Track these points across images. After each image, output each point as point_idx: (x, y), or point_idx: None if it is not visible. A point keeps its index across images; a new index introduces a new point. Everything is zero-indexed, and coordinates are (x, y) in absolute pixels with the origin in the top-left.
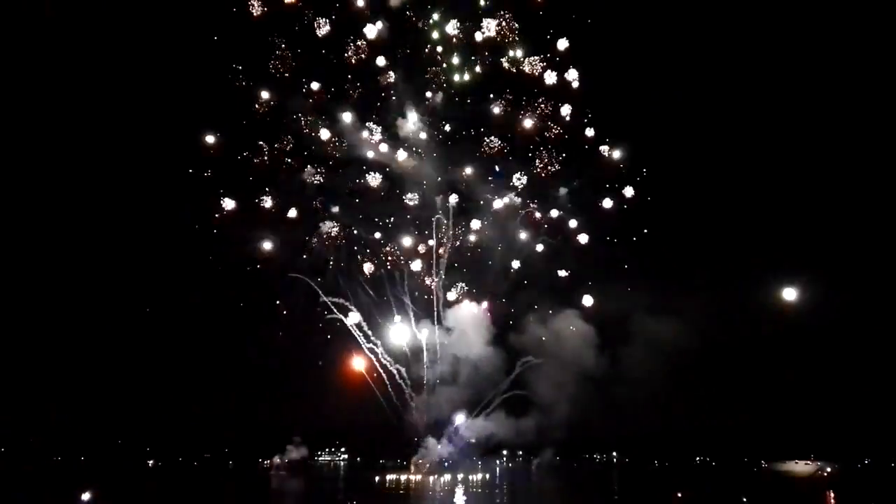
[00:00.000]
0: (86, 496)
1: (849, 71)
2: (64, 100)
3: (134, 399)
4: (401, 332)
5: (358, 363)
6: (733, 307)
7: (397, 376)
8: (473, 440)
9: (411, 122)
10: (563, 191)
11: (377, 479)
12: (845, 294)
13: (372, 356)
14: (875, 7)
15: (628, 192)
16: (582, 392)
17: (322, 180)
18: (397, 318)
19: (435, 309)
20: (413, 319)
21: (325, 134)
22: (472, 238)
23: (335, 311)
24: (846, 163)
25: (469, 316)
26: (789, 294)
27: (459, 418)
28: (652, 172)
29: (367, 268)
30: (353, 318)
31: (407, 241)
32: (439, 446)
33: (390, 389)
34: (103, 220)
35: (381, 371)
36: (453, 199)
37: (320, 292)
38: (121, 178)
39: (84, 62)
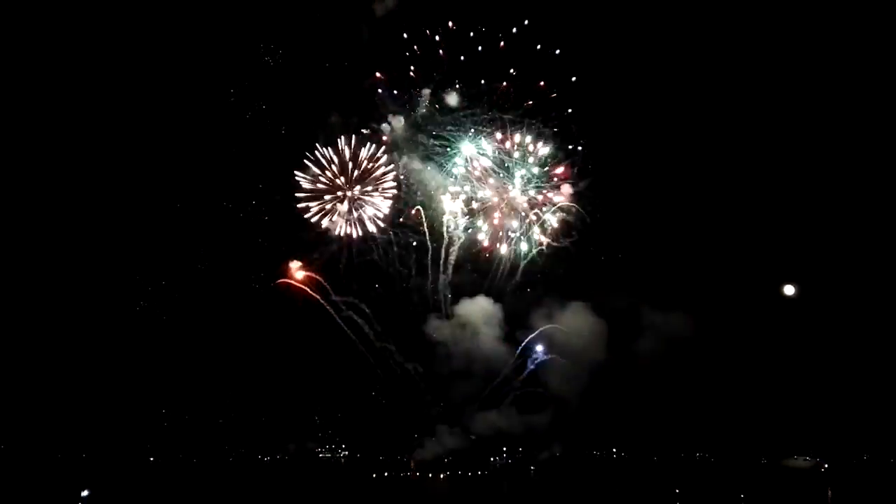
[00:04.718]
0: (85, 493)
1: (849, 69)
2: None
3: (134, 397)
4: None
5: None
6: (733, 302)
7: (412, 372)
8: (474, 437)
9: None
10: (566, 188)
11: (374, 475)
12: (845, 290)
13: (384, 353)
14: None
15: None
16: (590, 387)
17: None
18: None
19: (443, 306)
20: (423, 316)
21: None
22: (481, 236)
23: (344, 308)
24: (846, 162)
25: (480, 311)
26: (789, 290)
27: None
28: (651, 170)
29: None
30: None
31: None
32: (441, 443)
33: (401, 387)
34: (101, 214)
35: (395, 368)
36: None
37: (330, 290)
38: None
39: None
